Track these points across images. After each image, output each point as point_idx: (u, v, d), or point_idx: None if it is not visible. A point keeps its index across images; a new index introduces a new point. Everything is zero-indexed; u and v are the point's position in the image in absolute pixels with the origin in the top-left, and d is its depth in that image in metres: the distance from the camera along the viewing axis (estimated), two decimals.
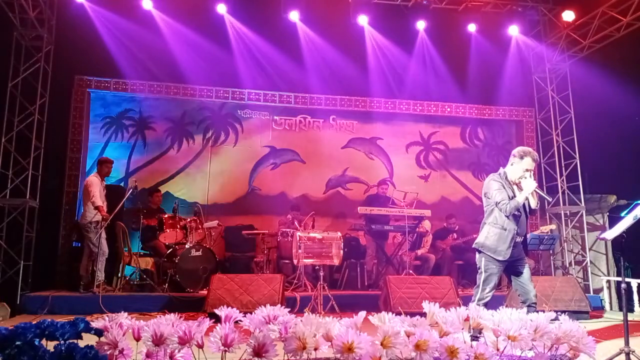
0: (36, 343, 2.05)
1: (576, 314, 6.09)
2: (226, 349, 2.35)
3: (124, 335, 2.38)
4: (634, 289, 7.26)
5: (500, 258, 3.91)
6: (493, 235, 3.96)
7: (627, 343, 3.52)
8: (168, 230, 7.22)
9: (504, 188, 3.99)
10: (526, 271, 4.01)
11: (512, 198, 3.93)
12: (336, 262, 6.33)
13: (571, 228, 8.72)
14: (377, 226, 7.59)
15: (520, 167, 4.00)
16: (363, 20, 8.68)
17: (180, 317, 2.56)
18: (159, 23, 8.23)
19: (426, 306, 2.69)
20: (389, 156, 9.66)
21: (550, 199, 4.28)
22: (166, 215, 7.36)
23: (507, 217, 3.91)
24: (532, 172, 4.04)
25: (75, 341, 2.16)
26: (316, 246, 6.22)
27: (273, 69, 8.79)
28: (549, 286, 6.54)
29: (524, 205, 3.97)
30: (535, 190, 3.93)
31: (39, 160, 7.23)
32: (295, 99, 9.02)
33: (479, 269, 4.04)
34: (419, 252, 8.29)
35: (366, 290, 7.62)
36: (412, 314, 2.76)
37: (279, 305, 2.75)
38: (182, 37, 8.28)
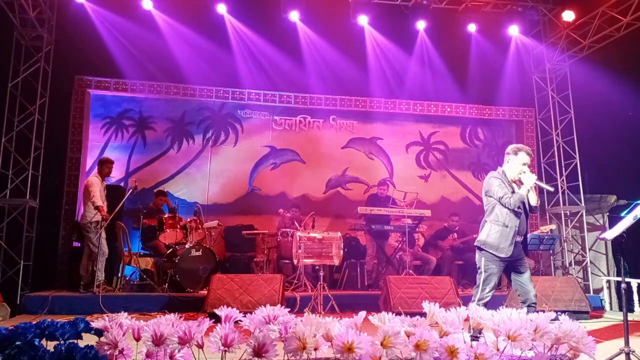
0: (36, 343, 2.05)
1: (576, 314, 6.09)
2: (226, 349, 2.35)
3: (124, 335, 2.38)
4: (634, 289, 7.26)
5: (503, 255, 3.91)
6: (495, 232, 3.96)
7: (627, 343, 3.52)
8: (168, 230, 7.22)
9: (505, 184, 4.01)
10: (526, 271, 4.02)
11: (514, 193, 3.96)
12: (336, 262, 6.33)
13: (571, 228, 8.72)
14: (377, 226, 7.59)
15: (517, 162, 4.02)
16: (363, 20, 8.68)
17: (180, 317, 2.56)
18: (159, 23, 8.23)
19: (426, 306, 2.69)
20: (389, 156, 9.66)
21: (552, 189, 4.28)
22: (166, 215, 7.36)
23: (510, 212, 3.92)
24: (529, 167, 4.06)
25: (75, 341, 2.16)
26: (316, 246, 6.22)
27: (273, 69, 8.79)
28: (549, 286, 6.54)
29: (524, 203, 3.98)
30: (536, 183, 3.95)
31: (39, 160, 7.23)
32: (295, 99, 9.02)
33: (478, 269, 4.04)
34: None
35: (366, 290, 7.62)
36: (412, 314, 2.76)
37: (279, 305, 2.75)
38: (182, 37, 8.28)
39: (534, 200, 4.03)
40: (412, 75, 9.23)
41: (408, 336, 2.39)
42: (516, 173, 4.03)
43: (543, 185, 4.15)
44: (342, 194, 9.41)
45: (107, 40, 8.01)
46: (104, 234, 6.68)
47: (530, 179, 3.91)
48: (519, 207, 3.94)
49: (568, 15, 8.35)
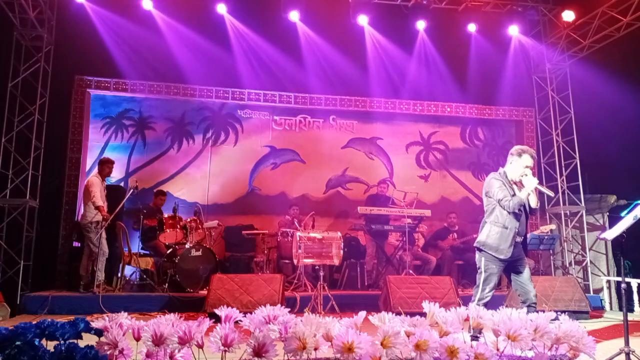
0: (36, 343, 2.05)
1: (576, 314, 6.09)
2: (226, 349, 2.35)
3: (124, 335, 2.38)
4: (634, 289, 7.27)
5: (502, 257, 3.91)
6: (495, 233, 3.96)
7: (627, 343, 3.52)
8: (168, 230, 7.22)
9: (505, 186, 4.00)
10: (526, 271, 4.01)
11: (514, 196, 3.95)
12: (336, 262, 6.33)
13: (571, 228, 8.72)
14: (377, 226, 7.59)
15: (520, 164, 4.01)
16: (363, 20, 8.68)
17: (180, 317, 2.56)
18: (159, 23, 8.23)
19: (426, 306, 2.69)
20: (389, 156, 9.66)
21: (552, 194, 4.26)
22: (166, 216, 7.37)
23: (509, 213, 3.92)
24: (532, 170, 4.05)
25: (75, 341, 2.16)
26: (316, 246, 6.22)
27: (273, 69, 8.78)
28: (549, 286, 6.54)
29: (524, 205, 3.97)
30: (536, 187, 3.94)
31: (39, 160, 7.23)
32: (295, 99, 9.02)
33: (478, 268, 4.04)
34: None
35: (366, 290, 7.62)
36: (412, 314, 2.76)
37: (279, 305, 2.75)
38: (182, 37, 8.28)
39: (533, 202, 4.02)
40: (412, 75, 9.23)
41: (408, 336, 2.39)
42: (518, 175, 4.01)
43: (544, 189, 4.14)
44: (342, 194, 9.41)
45: (107, 40, 8.01)
46: (104, 234, 6.68)
47: (531, 182, 3.90)
48: (519, 209, 3.93)
49: (568, 15, 8.35)
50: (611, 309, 7.94)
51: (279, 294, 5.97)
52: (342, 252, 6.34)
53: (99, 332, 2.34)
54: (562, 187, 8.74)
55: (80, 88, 8.22)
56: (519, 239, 3.98)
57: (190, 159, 8.92)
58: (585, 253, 8.51)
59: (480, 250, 4.04)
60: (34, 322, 2.17)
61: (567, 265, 8.59)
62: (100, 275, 6.58)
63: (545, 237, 7.41)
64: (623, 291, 3.65)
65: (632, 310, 7.18)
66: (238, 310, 2.70)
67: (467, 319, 2.68)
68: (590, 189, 8.85)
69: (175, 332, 2.35)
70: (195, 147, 8.96)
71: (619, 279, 3.83)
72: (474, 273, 4.17)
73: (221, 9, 8.36)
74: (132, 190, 6.95)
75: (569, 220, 8.75)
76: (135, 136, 8.76)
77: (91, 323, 2.34)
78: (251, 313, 2.69)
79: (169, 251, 7.07)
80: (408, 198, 7.86)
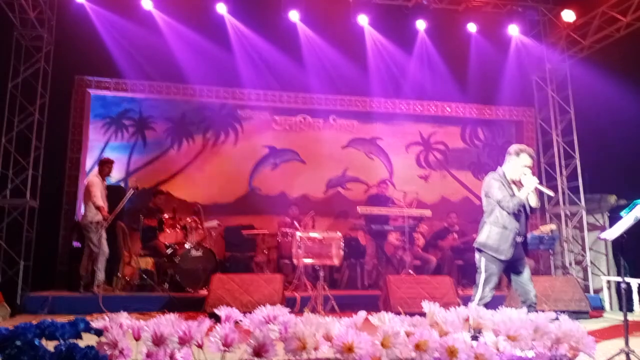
0: (36, 343, 2.05)
1: (576, 314, 6.09)
2: (226, 349, 2.35)
3: (124, 335, 2.38)
4: (634, 289, 7.26)
5: (503, 257, 3.90)
6: (495, 234, 3.95)
7: (627, 343, 3.52)
8: (168, 230, 7.22)
9: (504, 186, 3.99)
10: (526, 271, 4.01)
11: (513, 196, 3.93)
12: (336, 262, 6.32)
13: (571, 228, 8.72)
14: (377, 226, 7.59)
15: (518, 164, 3.99)
16: (363, 20, 8.67)
17: (180, 317, 2.56)
18: (159, 23, 8.22)
19: (426, 306, 2.69)
20: (389, 156, 9.66)
21: (552, 194, 4.25)
22: (166, 216, 7.36)
23: (509, 214, 3.91)
24: (531, 169, 4.03)
25: (75, 341, 2.16)
26: (316, 246, 6.21)
27: (273, 69, 8.78)
28: (549, 286, 6.54)
29: (524, 204, 3.97)
30: (536, 187, 3.93)
31: (39, 160, 7.23)
32: (295, 99, 9.02)
33: (478, 269, 4.03)
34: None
35: (366, 290, 7.62)
36: (412, 314, 2.76)
37: (279, 305, 2.74)
38: (182, 37, 8.27)
39: (533, 202, 4.01)
40: (412, 76, 9.22)
41: (408, 336, 2.39)
42: (517, 174, 4.00)
43: (544, 189, 4.12)
44: (342, 194, 9.41)
45: (107, 41, 8.00)
46: (104, 234, 6.67)
47: (531, 182, 3.88)
48: (518, 210, 3.92)
49: (568, 15, 8.34)
50: (611, 309, 7.93)
51: (279, 294, 5.97)
52: (342, 252, 6.34)
53: (99, 332, 2.34)
54: (562, 187, 8.73)
55: (80, 88, 8.22)
56: (519, 239, 3.97)
57: (190, 159, 8.92)
58: (585, 253, 8.50)
59: (480, 250, 4.03)
60: (34, 322, 2.17)
61: (567, 265, 8.59)
62: (100, 275, 6.58)
63: (546, 237, 7.40)
64: (623, 291, 3.65)
65: (632, 310, 7.17)
66: (238, 310, 2.70)
67: (467, 319, 2.68)
68: (590, 189, 8.84)
69: (175, 332, 2.35)
70: (195, 147, 8.96)
71: (619, 279, 3.83)
72: (474, 273, 4.17)
73: (221, 9, 8.35)
74: (132, 190, 6.95)
75: (569, 220, 8.75)
76: (135, 136, 8.77)
77: (91, 323, 2.34)
78: (251, 313, 2.68)
79: (169, 251, 7.07)
80: (408, 198, 7.86)
